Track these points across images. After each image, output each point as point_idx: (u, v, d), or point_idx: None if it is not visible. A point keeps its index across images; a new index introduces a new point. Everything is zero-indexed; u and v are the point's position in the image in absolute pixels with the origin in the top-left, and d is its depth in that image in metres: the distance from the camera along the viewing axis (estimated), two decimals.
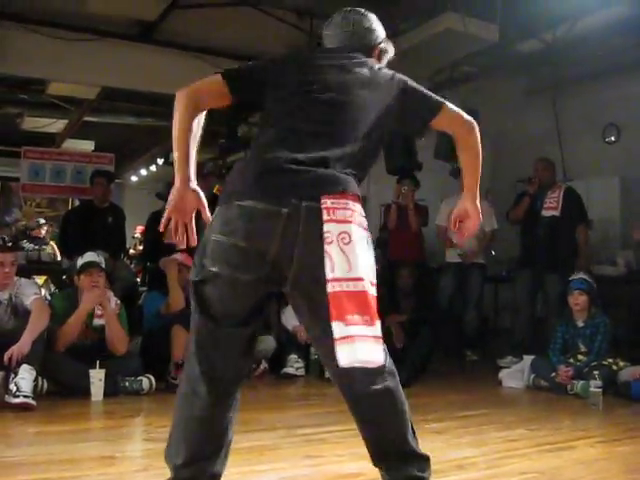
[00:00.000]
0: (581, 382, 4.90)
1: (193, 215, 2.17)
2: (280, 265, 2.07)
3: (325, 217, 1.99)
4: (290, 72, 2.29)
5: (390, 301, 6.07)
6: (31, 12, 6.13)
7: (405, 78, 2.34)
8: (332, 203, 2.01)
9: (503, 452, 3.31)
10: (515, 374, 5.45)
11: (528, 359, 5.39)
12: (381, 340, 1.96)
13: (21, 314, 4.55)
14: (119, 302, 4.98)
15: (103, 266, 4.94)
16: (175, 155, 2.18)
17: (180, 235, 2.17)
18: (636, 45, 6.47)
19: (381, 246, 7.39)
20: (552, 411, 4.50)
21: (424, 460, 2.28)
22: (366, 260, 2.02)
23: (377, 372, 2.16)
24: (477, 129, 2.38)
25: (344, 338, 1.92)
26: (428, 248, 7.29)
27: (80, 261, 4.91)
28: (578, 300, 5.30)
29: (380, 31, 2.48)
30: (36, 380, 4.27)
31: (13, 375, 4.15)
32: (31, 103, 8.87)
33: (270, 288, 2.18)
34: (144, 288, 7.14)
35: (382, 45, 2.47)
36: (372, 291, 2.00)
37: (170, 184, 2.22)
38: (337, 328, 1.93)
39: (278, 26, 6.64)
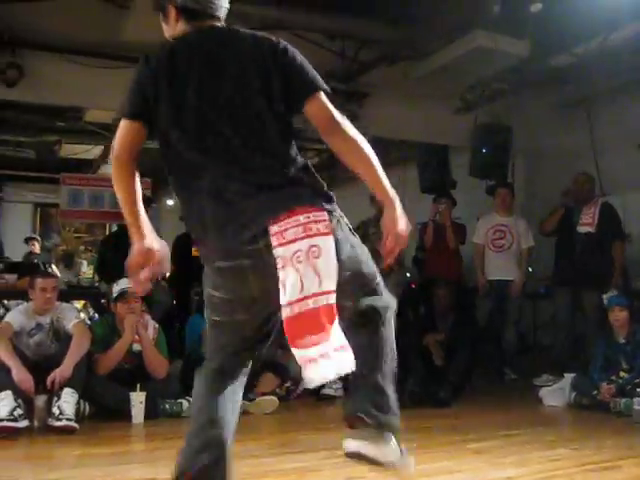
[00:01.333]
0: (624, 399, 4.82)
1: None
2: (268, 299, 2.05)
3: (274, 244, 1.92)
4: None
5: (427, 319, 6.05)
6: (67, 42, 6.24)
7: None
8: (279, 227, 1.93)
9: (546, 472, 3.26)
10: (556, 392, 5.38)
11: (569, 377, 5.31)
12: (344, 347, 1.89)
13: (63, 338, 4.63)
14: (157, 326, 5.03)
15: None
16: (128, 222, 2.09)
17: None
18: None
19: (418, 265, 7.37)
20: (595, 430, 4.42)
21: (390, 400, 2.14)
22: (331, 270, 1.93)
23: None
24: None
25: (307, 361, 1.90)
26: (466, 266, 7.25)
27: (116, 287, 4.98)
28: (618, 316, 5.23)
29: None
30: (78, 403, 4.34)
31: (56, 398, 4.23)
32: (68, 130, 9.03)
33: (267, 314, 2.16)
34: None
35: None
36: (329, 300, 1.92)
37: None
38: (296, 353, 1.91)
39: (307, 47, 6.67)
